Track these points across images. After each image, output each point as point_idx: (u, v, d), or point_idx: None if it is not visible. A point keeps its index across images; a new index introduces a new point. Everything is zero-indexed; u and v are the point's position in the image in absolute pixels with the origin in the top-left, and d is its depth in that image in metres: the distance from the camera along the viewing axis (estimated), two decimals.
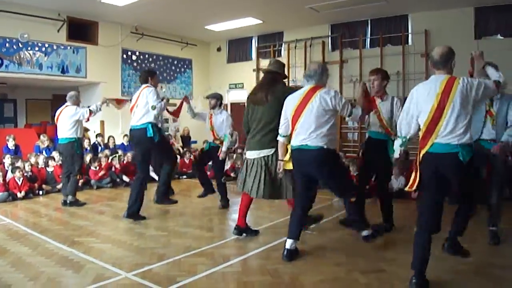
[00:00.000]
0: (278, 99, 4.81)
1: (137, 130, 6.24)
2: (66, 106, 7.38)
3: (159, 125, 6.45)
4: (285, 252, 4.52)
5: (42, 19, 10.87)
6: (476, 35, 11.06)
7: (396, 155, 4.09)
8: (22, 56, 10.65)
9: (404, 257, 4.44)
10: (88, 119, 7.43)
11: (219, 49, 15.74)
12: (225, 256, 4.63)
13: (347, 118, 4.75)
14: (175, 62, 14.91)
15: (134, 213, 6.20)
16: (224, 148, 6.96)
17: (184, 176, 10.91)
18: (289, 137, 4.63)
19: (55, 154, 9.39)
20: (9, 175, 8.24)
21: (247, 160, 5.20)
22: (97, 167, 9.45)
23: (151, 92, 6.18)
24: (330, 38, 13.54)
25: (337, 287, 3.84)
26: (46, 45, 11.18)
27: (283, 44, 14.31)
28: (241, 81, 14.93)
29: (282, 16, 12.39)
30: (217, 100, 7.22)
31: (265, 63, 14.57)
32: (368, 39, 12.89)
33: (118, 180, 9.61)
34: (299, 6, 11.13)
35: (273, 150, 4.90)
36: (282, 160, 4.73)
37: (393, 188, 8.02)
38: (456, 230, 4.31)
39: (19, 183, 8.04)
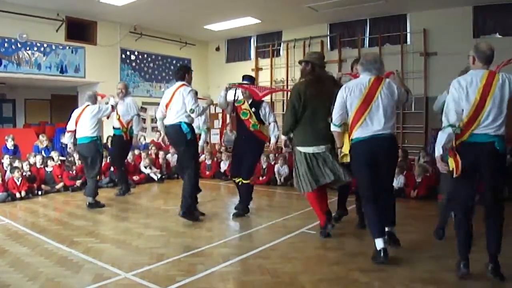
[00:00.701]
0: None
1: (171, 127, 6.13)
2: (87, 105, 7.35)
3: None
4: (382, 253, 4.30)
5: (40, 19, 10.87)
6: (474, 34, 11.06)
7: (446, 147, 3.83)
8: (20, 56, 10.66)
9: (404, 256, 4.47)
10: (108, 116, 7.71)
11: (217, 49, 15.74)
12: (224, 255, 4.62)
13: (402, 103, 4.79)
14: (174, 61, 14.90)
15: (189, 211, 6.09)
16: (200, 142, 7.08)
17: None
18: (344, 127, 4.62)
19: (53, 154, 9.38)
20: (8, 175, 8.24)
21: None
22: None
23: (189, 93, 6.01)
24: (328, 37, 13.55)
25: (337, 286, 3.84)
26: (45, 45, 11.18)
27: (281, 43, 14.32)
28: (240, 80, 14.89)
29: (281, 16, 12.39)
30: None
31: (263, 63, 14.61)
32: (367, 38, 12.90)
33: (117, 180, 9.58)
34: (298, 5, 11.13)
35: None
36: (340, 149, 4.79)
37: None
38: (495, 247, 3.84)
39: (18, 183, 8.02)
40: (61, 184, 8.80)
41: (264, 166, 10.03)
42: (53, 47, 11.37)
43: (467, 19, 11.10)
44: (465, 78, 3.79)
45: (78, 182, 8.94)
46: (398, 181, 8.17)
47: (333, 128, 4.66)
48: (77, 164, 9.28)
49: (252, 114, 6.37)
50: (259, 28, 13.82)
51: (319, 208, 5.25)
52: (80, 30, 12.14)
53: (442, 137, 3.80)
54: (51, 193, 8.57)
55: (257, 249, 4.89)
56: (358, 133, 4.43)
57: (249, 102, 6.46)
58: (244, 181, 6.40)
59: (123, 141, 8.17)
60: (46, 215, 6.75)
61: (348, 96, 4.46)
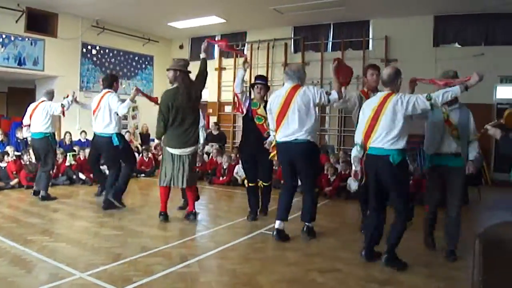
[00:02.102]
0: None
1: (102, 138, 6.68)
2: (42, 101, 7.43)
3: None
4: (276, 232, 5.18)
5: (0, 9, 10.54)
6: (434, 43, 11.40)
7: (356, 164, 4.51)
8: None
9: (360, 257, 4.55)
10: (63, 114, 7.49)
11: (181, 47, 15.64)
12: (182, 256, 4.60)
13: (327, 105, 5.45)
14: (136, 58, 14.74)
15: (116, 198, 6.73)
16: (201, 139, 7.08)
17: (143, 175, 10.79)
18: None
19: (9, 149, 9.09)
20: None
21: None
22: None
23: (113, 97, 6.61)
24: (292, 40, 13.70)
25: (294, 286, 3.88)
26: (3, 36, 10.89)
27: (246, 44, 14.35)
28: None
29: (246, 16, 12.44)
30: None
31: (227, 63, 14.62)
32: (330, 43, 13.11)
33: (74, 177, 9.39)
34: (263, 7, 11.20)
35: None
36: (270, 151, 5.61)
37: (351, 189, 8.23)
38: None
39: None
40: (15, 181, 8.53)
41: (224, 167, 10.02)
42: (12, 38, 11.08)
43: (427, 28, 11.44)
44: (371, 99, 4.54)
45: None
46: (356, 184, 8.32)
47: (271, 133, 5.45)
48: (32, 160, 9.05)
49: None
50: (224, 27, 13.83)
51: (164, 200, 6.09)
52: (40, 22, 11.85)
53: (355, 153, 4.50)
54: (5, 189, 8.30)
55: (216, 249, 4.89)
56: (279, 136, 5.13)
57: (264, 105, 6.10)
58: (265, 184, 6.41)
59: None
60: None
61: (272, 104, 5.21)
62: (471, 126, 4.69)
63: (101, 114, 6.63)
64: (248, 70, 13.72)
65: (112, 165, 6.92)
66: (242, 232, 5.65)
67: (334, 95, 5.04)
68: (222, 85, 14.85)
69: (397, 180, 4.22)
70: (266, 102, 6.01)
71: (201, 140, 7.01)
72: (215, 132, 12.40)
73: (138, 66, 14.90)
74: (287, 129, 5.02)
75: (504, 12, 10.49)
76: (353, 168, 4.57)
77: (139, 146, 12.49)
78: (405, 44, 11.46)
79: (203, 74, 6.09)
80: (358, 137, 4.47)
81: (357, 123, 4.75)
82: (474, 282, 2.37)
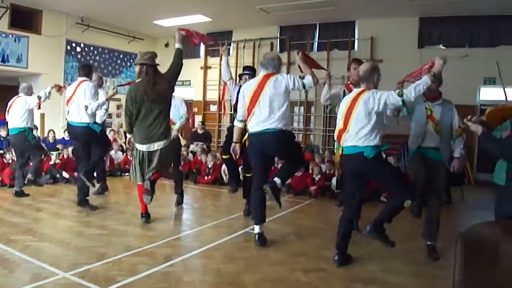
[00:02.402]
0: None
1: (77, 127, 6.46)
2: (18, 97, 7.41)
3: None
4: (258, 237, 5.01)
5: None
6: (419, 44, 11.50)
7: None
8: None
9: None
10: (39, 107, 7.39)
11: (167, 45, 15.56)
12: (166, 255, 4.58)
13: (302, 90, 5.19)
14: (121, 56, 14.64)
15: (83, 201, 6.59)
16: (176, 127, 6.95)
17: (127, 174, 10.70)
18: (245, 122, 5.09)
19: None
20: None
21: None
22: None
23: (91, 89, 6.42)
24: (278, 39, 13.73)
25: (279, 286, 3.90)
26: None
27: (231, 43, 14.33)
28: (188, 78, 14.88)
29: (232, 15, 12.44)
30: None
31: (213, 61, 14.60)
32: (316, 43, 13.17)
33: (58, 176, 9.29)
34: (249, 6, 11.21)
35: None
36: (236, 143, 5.30)
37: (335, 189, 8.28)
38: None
39: None
40: None
41: (209, 166, 10.00)
42: None
43: (413, 29, 11.54)
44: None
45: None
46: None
47: (235, 123, 5.25)
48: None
49: None
50: (210, 26, 13.78)
51: (143, 200, 5.81)
52: (24, 19, 11.72)
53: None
54: None
55: (200, 249, 4.88)
56: (249, 127, 4.96)
57: None
58: (247, 175, 6.26)
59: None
60: None
61: (244, 92, 5.01)
62: (455, 121, 4.77)
63: (75, 103, 6.42)
64: (234, 69, 13.89)
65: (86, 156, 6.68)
66: (227, 231, 5.65)
67: (308, 78, 4.86)
68: (207, 84, 14.83)
69: (377, 170, 4.23)
70: None
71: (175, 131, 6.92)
72: (200, 131, 12.38)
73: (123, 64, 14.81)
74: (258, 117, 4.82)
75: (487, 14, 10.62)
76: None
77: (123, 144, 12.39)
78: (390, 45, 11.55)
79: (177, 66, 5.81)
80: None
81: None
82: (456, 281, 2.41)
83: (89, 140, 6.55)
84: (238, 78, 6.57)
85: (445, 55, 4.34)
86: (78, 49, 13.29)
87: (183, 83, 15.21)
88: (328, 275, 4.17)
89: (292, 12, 11.64)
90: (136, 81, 5.67)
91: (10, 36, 11.27)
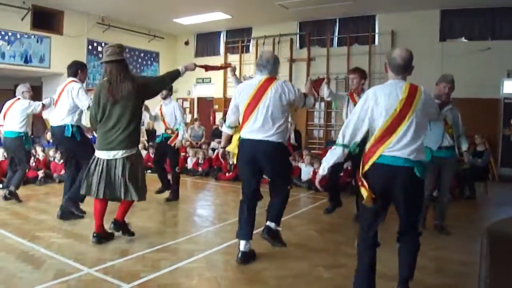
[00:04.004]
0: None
1: (57, 129, 5.86)
2: (18, 99, 7.02)
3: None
4: (241, 255, 4.37)
5: (5, 6, 10.61)
6: (441, 37, 11.35)
7: (323, 170, 3.37)
8: None
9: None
10: (40, 113, 7.20)
11: (187, 43, 15.65)
12: (188, 251, 4.62)
13: (300, 108, 4.93)
14: (142, 54, 14.76)
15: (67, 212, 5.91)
16: (179, 137, 6.95)
17: (149, 171, 10.77)
18: (236, 129, 4.62)
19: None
20: None
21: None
22: (61, 161, 9.23)
23: (79, 90, 5.69)
24: (298, 35, 13.67)
25: (300, 282, 3.89)
26: (9, 34, 10.92)
27: (251, 40, 14.35)
28: (209, 75, 14.90)
29: (251, 12, 12.43)
30: (168, 90, 7.03)
31: (233, 59, 14.61)
32: (336, 38, 13.08)
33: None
34: (268, 2, 11.19)
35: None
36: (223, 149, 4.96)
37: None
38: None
39: None
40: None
41: (231, 162, 10.02)
42: (18, 36, 11.12)
43: (434, 22, 11.38)
44: (383, 87, 3.28)
45: (40, 173, 8.70)
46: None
47: (224, 129, 4.75)
48: (38, 156, 9.11)
49: None
50: (229, 23, 13.82)
51: (96, 215, 4.89)
52: (46, 19, 11.89)
53: (335, 156, 3.30)
54: None
55: (222, 245, 4.91)
56: (244, 133, 4.37)
57: None
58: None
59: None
60: (7, 209, 6.56)
61: (239, 97, 4.42)
62: (460, 122, 5.44)
63: (58, 105, 5.89)
64: (254, 66, 13.85)
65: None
66: None
67: (310, 100, 4.62)
68: (228, 81, 14.85)
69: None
70: None
71: (179, 137, 6.92)
72: (221, 128, 12.40)
73: (144, 62, 14.92)
74: (255, 125, 4.27)
75: (510, 6, 10.41)
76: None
77: (145, 142, 12.50)
78: (411, 38, 11.40)
79: (163, 79, 5.15)
80: (351, 137, 3.25)
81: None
82: (481, 276, 2.37)
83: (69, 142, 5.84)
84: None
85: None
86: (99, 48, 13.43)
87: (203, 80, 15.29)
88: (350, 271, 4.12)
89: (311, 8, 11.58)
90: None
91: (33, 36, 11.46)
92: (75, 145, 5.80)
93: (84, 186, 4.72)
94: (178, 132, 6.99)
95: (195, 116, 15.16)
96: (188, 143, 12.20)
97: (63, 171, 9.05)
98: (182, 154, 11.17)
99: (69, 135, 5.70)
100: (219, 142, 11.30)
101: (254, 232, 4.48)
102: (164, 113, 7.14)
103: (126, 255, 4.44)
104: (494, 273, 2.15)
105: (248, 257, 4.38)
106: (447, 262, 4.45)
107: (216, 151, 11.12)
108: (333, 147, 3.29)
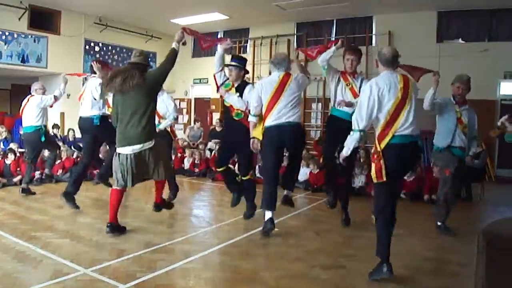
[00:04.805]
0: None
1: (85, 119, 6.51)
2: (32, 96, 7.52)
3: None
4: (270, 222, 5.13)
5: (2, 6, 10.58)
6: (438, 39, 11.36)
7: (347, 152, 4.02)
8: None
9: (364, 253, 4.55)
10: (52, 105, 7.54)
11: (184, 43, 15.50)
12: (185, 252, 4.61)
13: None
14: None
15: (69, 194, 6.38)
16: (161, 126, 6.57)
17: None
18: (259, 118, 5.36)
19: (13, 146, 9.14)
20: None
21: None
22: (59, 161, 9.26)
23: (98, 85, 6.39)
24: (295, 36, 13.67)
25: (298, 282, 3.88)
26: (7, 33, 10.89)
27: (248, 40, 14.34)
28: (206, 76, 14.90)
29: (249, 13, 12.43)
30: None
31: (230, 59, 14.55)
32: (333, 39, 13.05)
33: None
34: (266, 3, 11.20)
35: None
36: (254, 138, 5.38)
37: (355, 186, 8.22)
38: None
39: None
40: (18, 177, 8.54)
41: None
42: (15, 36, 11.09)
43: (431, 23, 11.40)
44: (382, 78, 3.93)
45: (37, 173, 8.69)
46: (359, 180, 8.33)
47: (250, 118, 5.41)
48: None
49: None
50: (227, 24, 13.82)
51: (113, 206, 5.17)
52: (43, 19, 11.86)
53: (353, 140, 3.95)
54: (9, 186, 8.33)
55: (219, 245, 4.90)
56: (269, 121, 5.18)
57: (236, 86, 5.74)
58: (243, 178, 5.86)
59: None
60: (3, 209, 6.54)
61: (262, 91, 5.25)
62: (476, 126, 5.47)
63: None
64: (251, 67, 13.89)
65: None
66: (244, 228, 5.66)
67: (308, 79, 5.53)
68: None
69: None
70: (241, 85, 5.73)
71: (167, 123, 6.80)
72: (218, 129, 12.40)
73: None
74: (279, 113, 5.12)
75: (507, 7, 10.44)
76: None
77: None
78: (408, 40, 11.42)
79: (165, 64, 5.32)
80: (365, 123, 3.87)
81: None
82: (478, 277, 2.38)
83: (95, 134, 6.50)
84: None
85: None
86: (97, 48, 13.43)
87: (200, 81, 15.28)
88: (348, 272, 4.15)
89: (309, 9, 11.59)
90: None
91: (30, 36, 11.43)
92: (102, 130, 6.39)
93: (116, 180, 5.11)
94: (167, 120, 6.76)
95: (194, 117, 15.18)
96: (185, 143, 12.20)
97: (59, 171, 9.15)
98: (179, 154, 11.18)
99: (98, 124, 6.38)
100: (216, 143, 11.32)
101: (253, 232, 4.97)
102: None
103: (123, 255, 4.43)
104: (490, 274, 2.16)
105: (272, 225, 5.14)
106: (444, 263, 4.46)
107: (214, 151, 11.11)
108: (351, 133, 3.92)
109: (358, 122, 3.85)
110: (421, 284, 3.89)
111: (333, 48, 5.57)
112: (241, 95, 5.65)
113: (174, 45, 5.48)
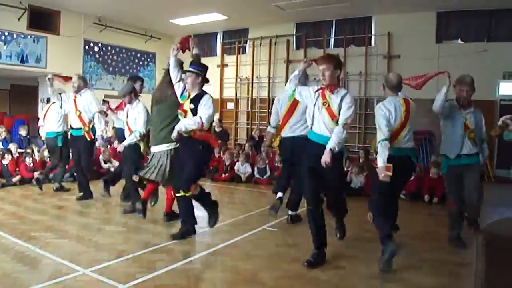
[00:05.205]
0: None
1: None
2: (53, 103, 7.79)
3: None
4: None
5: (2, 6, 10.57)
6: (437, 39, 11.36)
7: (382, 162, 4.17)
8: None
9: (363, 254, 4.56)
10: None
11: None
12: (185, 252, 4.62)
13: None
14: (138, 55, 14.73)
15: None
16: (125, 142, 6.29)
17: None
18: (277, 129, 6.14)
19: (12, 146, 9.14)
20: None
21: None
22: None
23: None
24: (294, 36, 13.66)
25: (297, 283, 3.88)
26: (6, 34, 10.88)
27: (248, 40, 14.34)
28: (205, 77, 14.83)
29: (248, 13, 12.42)
30: (131, 94, 6.41)
31: (229, 59, 14.61)
32: (332, 39, 13.09)
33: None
34: (265, 3, 11.19)
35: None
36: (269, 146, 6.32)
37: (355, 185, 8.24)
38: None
39: None
40: (17, 178, 8.55)
41: (227, 163, 10.02)
42: (14, 36, 11.07)
43: (430, 24, 11.39)
44: (389, 102, 4.39)
45: (36, 174, 8.67)
46: (358, 181, 8.33)
47: (269, 129, 6.38)
48: (34, 156, 9.10)
49: (190, 112, 5.01)
50: (226, 24, 13.81)
51: (168, 198, 6.01)
52: (42, 19, 11.85)
53: (384, 149, 4.21)
54: (8, 186, 8.33)
55: (218, 246, 4.90)
56: (285, 133, 5.93)
57: (192, 97, 5.13)
58: (181, 193, 5.09)
59: (87, 142, 7.29)
60: (2, 209, 6.54)
61: (278, 104, 6.08)
62: (484, 128, 5.11)
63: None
64: (250, 67, 13.90)
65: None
66: (244, 228, 5.66)
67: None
68: (224, 82, 14.84)
69: None
70: (198, 95, 5.13)
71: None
72: (218, 129, 12.40)
73: (140, 63, 14.90)
74: (293, 126, 5.82)
75: (507, 8, 10.44)
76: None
77: None
78: (408, 40, 11.43)
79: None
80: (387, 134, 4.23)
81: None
82: (477, 278, 2.38)
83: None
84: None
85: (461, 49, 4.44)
86: (96, 48, 13.42)
87: None
88: (347, 272, 4.15)
89: (308, 9, 11.59)
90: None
91: (29, 36, 11.42)
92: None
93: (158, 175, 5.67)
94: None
95: None
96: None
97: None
98: None
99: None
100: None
101: (253, 232, 4.94)
102: (128, 117, 6.38)
103: (122, 255, 4.43)
104: (490, 274, 2.16)
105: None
106: (443, 263, 4.46)
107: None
108: (380, 143, 4.23)
109: (383, 133, 4.24)
110: (421, 284, 3.90)
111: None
112: (196, 108, 4.98)
113: (196, 51, 6.27)
